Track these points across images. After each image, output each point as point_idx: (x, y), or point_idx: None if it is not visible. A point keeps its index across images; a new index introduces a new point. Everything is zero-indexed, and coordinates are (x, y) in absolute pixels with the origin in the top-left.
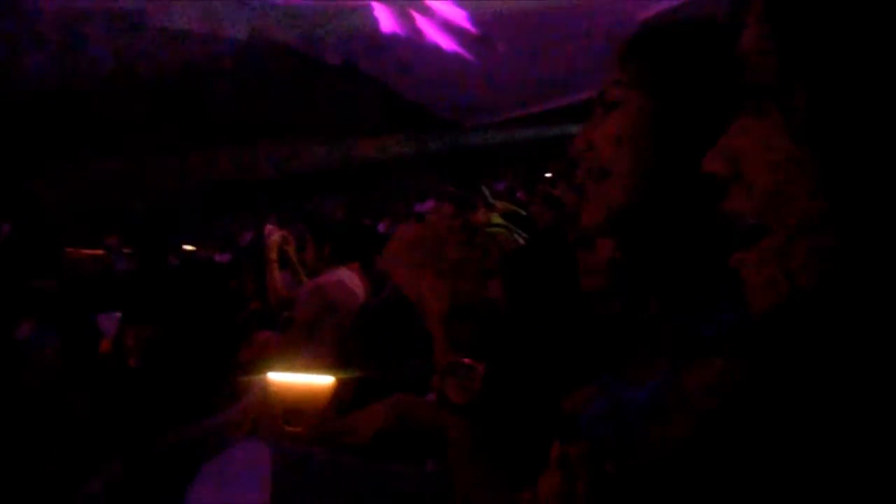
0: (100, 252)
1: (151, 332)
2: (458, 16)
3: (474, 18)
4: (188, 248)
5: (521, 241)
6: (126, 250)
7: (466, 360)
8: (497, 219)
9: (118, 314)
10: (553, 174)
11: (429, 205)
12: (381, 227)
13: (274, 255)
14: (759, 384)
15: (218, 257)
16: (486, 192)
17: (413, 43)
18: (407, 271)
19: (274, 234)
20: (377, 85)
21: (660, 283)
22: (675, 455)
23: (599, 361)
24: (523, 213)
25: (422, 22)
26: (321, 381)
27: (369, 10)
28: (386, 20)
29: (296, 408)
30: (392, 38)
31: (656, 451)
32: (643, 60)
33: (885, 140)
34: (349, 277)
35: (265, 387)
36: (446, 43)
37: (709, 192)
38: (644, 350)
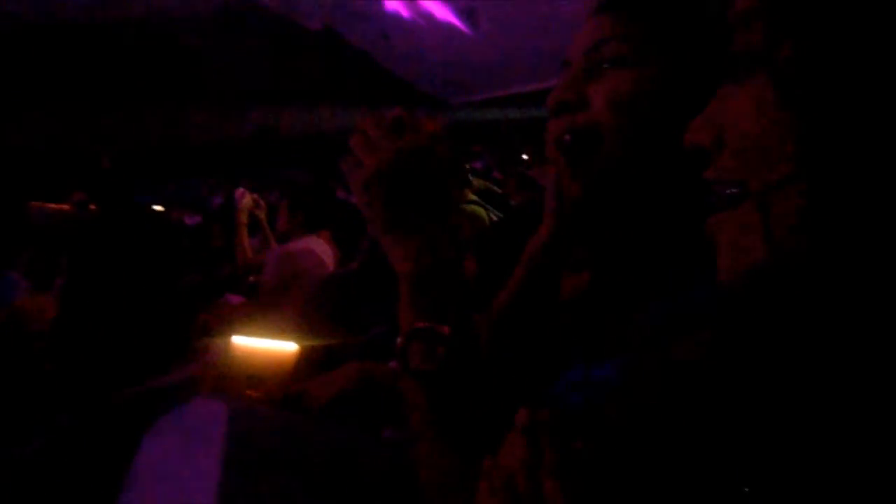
0: (66, 207)
1: (96, 285)
2: None
3: None
4: (157, 208)
5: (494, 218)
6: (92, 207)
7: (433, 326)
8: (472, 196)
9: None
10: (529, 156)
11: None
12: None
13: (244, 219)
14: (731, 355)
15: (188, 219)
16: (468, 168)
17: (397, 14)
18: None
19: (245, 198)
20: (359, 54)
21: (638, 256)
22: (644, 427)
23: (570, 337)
24: (499, 191)
25: None
26: (285, 346)
27: None
28: None
29: (258, 372)
30: (376, 9)
31: (624, 423)
32: (650, 20)
33: (873, 107)
34: (318, 245)
35: (228, 349)
36: (432, 16)
37: (695, 165)
38: (616, 326)
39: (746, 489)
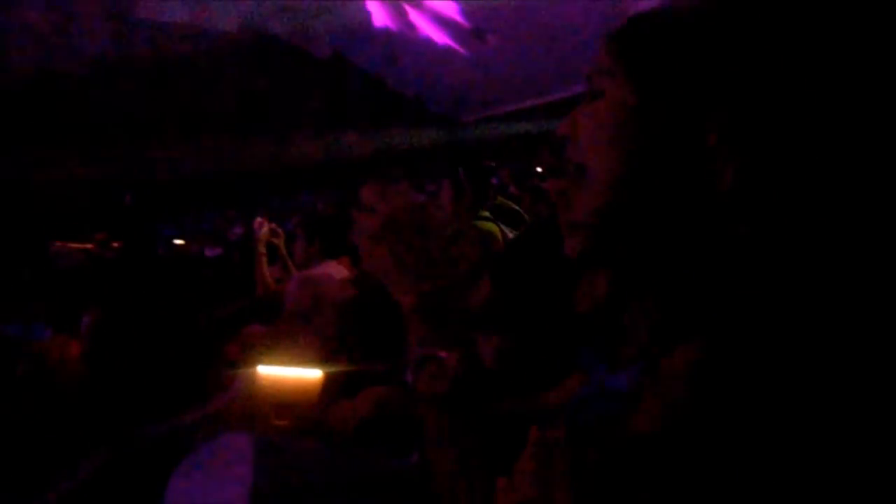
0: (89, 246)
1: (124, 322)
2: (450, 9)
3: (466, 12)
4: (178, 242)
5: (507, 235)
6: (115, 245)
7: (437, 353)
8: (484, 212)
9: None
10: (543, 169)
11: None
12: None
13: (263, 249)
14: (735, 366)
15: (208, 251)
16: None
17: (404, 36)
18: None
19: (263, 228)
20: (368, 78)
21: (641, 273)
22: (652, 440)
23: (582, 349)
24: (516, 207)
25: (414, 15)
26: (310, 374)
27: (361, 4)
28: (378, 14)
29: (284, 401)
30: (383, 32)
31: (633, 436)
32: (631, 53)
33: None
34: (338, 270)
35: (253, 380)
36: (438, 36)
37: (687, 185)
38: (627, 337)
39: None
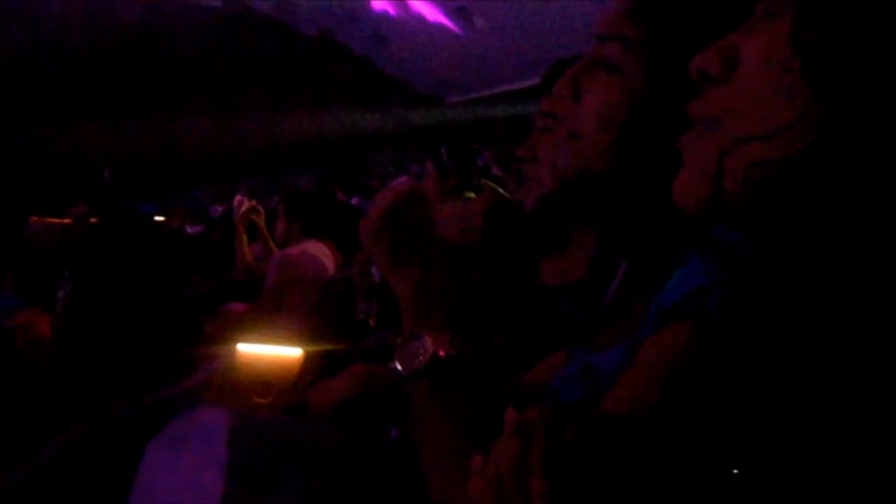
0: (66, 221)
1: (98, 296)
2: None
3: None
4: (159, 218)
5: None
6: (93, 220)
7: (423, 334)
8: (470, 194)
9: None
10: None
11: (403, 180)
12: (354, 202)
13: (242, 227)
14: (714, 350)
15: (189, 228)
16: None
17: (390, 16)
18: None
19: (244, 205)
20: (354, 57)
21: (628, 251)
22: (634, 420)
23: (569, 331)
24: (500, 189)
25: None
26: (290, 352)
27: None
28: None
29: (264, 379)
30: (368, 11)
31: (614, 417)
32: (651, 26)
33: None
34: (318, 249)
35: (233, 357)
36: (425, 16)
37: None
38: (614, 318)
39: (735, 471)
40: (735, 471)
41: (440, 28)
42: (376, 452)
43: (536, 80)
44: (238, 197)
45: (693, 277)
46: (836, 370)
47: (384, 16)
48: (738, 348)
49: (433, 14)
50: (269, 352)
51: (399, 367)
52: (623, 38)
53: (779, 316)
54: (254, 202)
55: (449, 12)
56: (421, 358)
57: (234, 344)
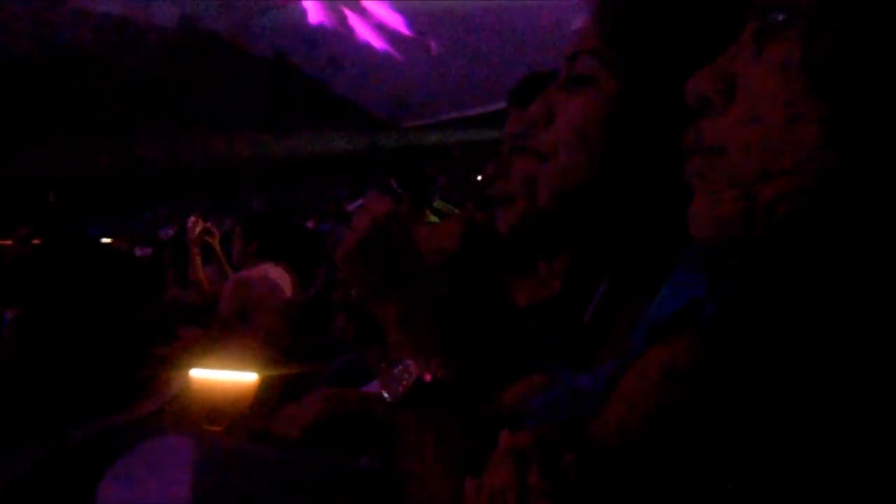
0: (8, 242)
1: (47, 319)
2: (394, 19)
3: (410, 20)
4: (106, 240)
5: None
6: (36, 241)
7: (403, 359)
8: (433, 217)
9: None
10: (483, 177)
11: (377, 200)
12: (309, 225)
13: (197, 248)
14: (714, 363)
15: (138, 250)
16: (433, 189)
17: (346, 40)
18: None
19: (198, 226)
20: (309, 80)
21: (608, 267)
22: (628, 438)
23: (548, 352)
24: (455, 210)
25: (354, 20)
26: (244, 377)
27: (300, 5)
28: (316, 15)
29: (218, 405)
30: (325, 34)
31: (607, 437)
32: (627, 39)
33: None
34: (275, 272)
35: (186, 383)
36: (380, 42)
37: (664, 178)
38: (597, 337)
39: (730, 485)
40: (731, 485)
41: (396, 52)
42: (347, 478)
43: (493, 106)
44: (192, 218)
45: (684, 290)
46: (839, 381)
47: (340, 39)
48: (739, 360)
49: (389, 38)
50: (222, 377)
51: (385, 393)
52: (594, 51)
53: (781, 326)
54: (209, 223)
55: (405, 37)
56: (405, 382)
57: (188, 369)
